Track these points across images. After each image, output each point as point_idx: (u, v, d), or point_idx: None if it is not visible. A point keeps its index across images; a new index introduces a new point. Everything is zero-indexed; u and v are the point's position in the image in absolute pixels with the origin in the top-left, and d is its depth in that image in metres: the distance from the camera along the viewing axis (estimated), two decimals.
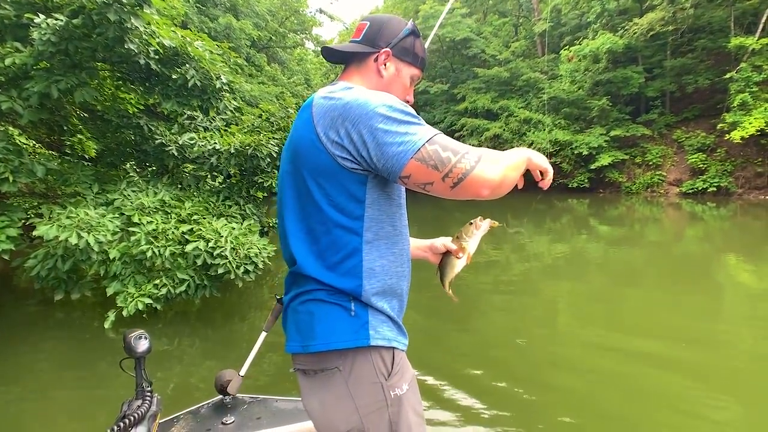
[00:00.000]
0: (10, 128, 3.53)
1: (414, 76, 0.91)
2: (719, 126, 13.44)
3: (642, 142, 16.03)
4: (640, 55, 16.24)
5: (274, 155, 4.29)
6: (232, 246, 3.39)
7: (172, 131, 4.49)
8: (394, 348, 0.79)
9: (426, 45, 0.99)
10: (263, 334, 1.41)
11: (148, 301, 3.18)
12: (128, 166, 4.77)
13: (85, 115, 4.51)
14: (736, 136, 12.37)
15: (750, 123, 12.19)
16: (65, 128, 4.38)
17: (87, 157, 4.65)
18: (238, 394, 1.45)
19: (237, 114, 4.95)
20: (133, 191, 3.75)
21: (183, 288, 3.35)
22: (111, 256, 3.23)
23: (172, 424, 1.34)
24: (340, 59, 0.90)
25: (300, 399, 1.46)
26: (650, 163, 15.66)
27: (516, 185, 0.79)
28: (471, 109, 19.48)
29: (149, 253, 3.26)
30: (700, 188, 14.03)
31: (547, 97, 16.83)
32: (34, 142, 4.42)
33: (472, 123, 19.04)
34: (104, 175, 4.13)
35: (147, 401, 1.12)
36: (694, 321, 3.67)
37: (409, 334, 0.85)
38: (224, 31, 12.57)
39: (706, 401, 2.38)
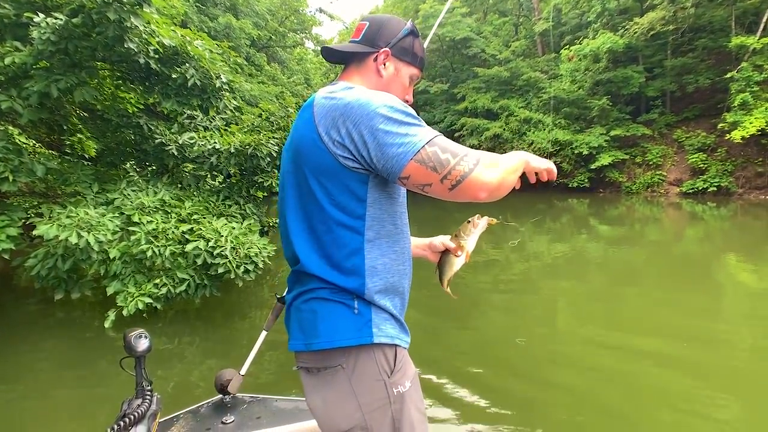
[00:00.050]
0: (10, 128, 3.53)
1: (413, 76, 0.92)
2: (720, 126, 13.43)
3: (642, 142, 16.02)
4: (640, 54, 16.22)
5: (274, 155, 4.29)
6: (232, 245, 3.39)
7: (172, 131, 4.49)
8: (396, 345, 0.80)
9: (425, 44, 0.99)
10: (263, 333, 1.42)
11: (148, 300, 3.18)
12: (128, 165, 4.77)
13: (85, 114, 4.50)
14: (736, 135, 12.36)
15: (750, 123, 12.17)
16: (65, 128, 4.38)
17: (87, 156, 4.65)
18: (237, 394, 1.45)
19: (237, 113, 4.95)
20: (133, 191, 3.75)
21: (183, 287, 3.35)
22: (111, 256, 3.23)
23: (172, 423, 1.34)
24: (340, 59, 0.90)
25: (300, 399, 1.47)
26: (650, 162, 15.65)
27: (513, 187, 0.80)
28: (471, 109, 19.47)
29: (149, 253, 3.26)
30: (700, 188, 14.02)
31: (552, 95, 16.80)
32: (33, 142, 4.42)
33: (472, 123, 19.03)
34: (104, 174, 4.13)
35: (147, 400, 1.12)
36: (695, 320, 3.67)
37: (410, 332, 0.86)
38: (224, 31, 12.57)
39: (706, 399, 2.38)
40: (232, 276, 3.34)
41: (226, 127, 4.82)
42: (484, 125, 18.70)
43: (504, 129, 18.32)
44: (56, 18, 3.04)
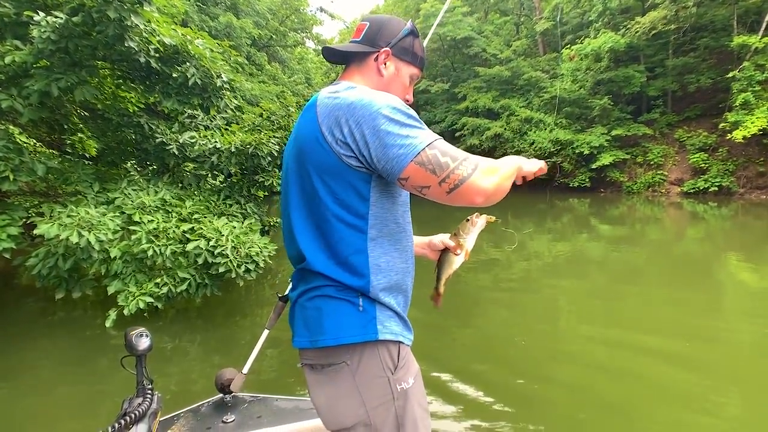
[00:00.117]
0: (11, 127, 3.53)
1: (413, 75, 0.93)
2: (721, 125, 13.40)
3: (643, 142, 15.99)
4: (641, 54, 16.19)
5: (275, 154, 4.29)
6: (232, 245, 3.39)
7: (173, 130, 4.49)
8: (400, 342, 0.81)
9: (425, 43, 0.99)
10: (266, 332, 1.42)
11: (149, 299, 3.18)
12: (129, 164, 4.77)
13: (86, 113, 4.51)
14: (738, 135, 12.33)
15: (752, 122, 12.14)
16: (66, 127, 4.38)
17: (87, 155, 4.66)
18: (238, 393, 1.45)
19: (238, 113, 4.95)
20: (134, 190, 3.75)
21: (184, 287, 3.36)
22: (112, 255, 3.23)
23: (173, 422, 1.34)
24: (341, 59, 0.91)
25: (300, 398, 1.47)
26: (651, 162, 15.62)
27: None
28: (472, 109, 19.44)
29: (150, 252, 3.26)
30: (701, 188, 14.00)
31: (556, 94, 16.76)
32: (34, 141, 4.43)
33: (473, 122, 19.00)
34: (105, 173, 4.13)
35: (148, 399, 1.12)
36: (695, 318, 3.68)
37: (413, 329, 0.87)
38: (225, 30, 12.56)
39: (706, 396, 2.39)
40: (233, 275, 3.34)
41: (227, 127, 4.82)
42: (485, 125, 18.68)
43: (505, 129, 18.30)
44: (56, 17, 3.04)
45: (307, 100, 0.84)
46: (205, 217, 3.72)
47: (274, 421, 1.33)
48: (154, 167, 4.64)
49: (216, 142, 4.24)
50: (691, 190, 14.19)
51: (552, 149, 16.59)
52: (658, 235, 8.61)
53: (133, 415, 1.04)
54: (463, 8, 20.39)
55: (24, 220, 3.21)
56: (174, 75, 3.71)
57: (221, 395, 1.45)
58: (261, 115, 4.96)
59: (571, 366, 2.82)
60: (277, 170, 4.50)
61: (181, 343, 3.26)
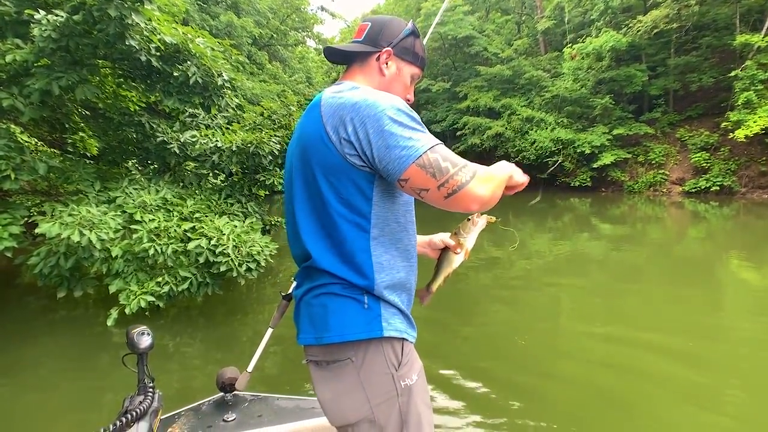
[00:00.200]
0: (12, 126, 3.54)
1: (414, 75, 0.94)
2: (723, 124, 13.35)
3: (645, 141, 15.94)
4: (643, 53, 16.13)
5: (276, 153, 4.29)
6: (234, 244, 3.40)
7: (174, 129, 4.49)
8: (404, 339, 0.82)
9: (425, 42, 0.99)
10: (270, 331, 1.42)
11: (150, 298, 3.19)
12: (130, 164, 4.77)
13: (87, 112, 4.51)
14: (740, 134, 12.28)
15: (754, 121, 12.09)
16: (67, 126, 4.39)
17: (89, 155, 4.66)
18: (239, 392, 1.45)
19: (238, 112, 4.94)
20: (135, 189, 3.75)
21: (185, 286, 3.36)
22: (113, 254, 3.24)
23: (174, 420, 1.34)
24: (343, 59, 0.93)
25: (301, 397, 1.47)
26: (653, 161, 15.58)
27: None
28: (473, 108, 19.40)
29: (151, 251, 3.26)
30: (703, 187, 13.95)
31: (557, 94, 16.70)
32: (35, 140, 4.44)
33: (474, 121, 18.97)
34: (106, 172, 4.14)
35: (149, 397, 1.12)
36: (697, 316, 3.68)
37: (416, 327, 0.87)
38: (225, 29, 12.56)
39: (708, 392, 2.41)
40: (234, 274, 3.34)
41: (228, 126, 4.82)
42: (486, 124, 18.64)
43: (506, 128, 18.26)
44: (57, 15, 3.04)
45: (308, 100, 0.85)
46: (206, 216, 3.73)
47: (274, 420, 1.33)
48: (155, 166, 4.65)
49: (217, 141, 4.24)
50: (693, 190, 14.14)
51: (553, 148, 16.55)
52: (659, 234, 8.59)
53: (134, 413, 1.05)
54: (465, 7, 20.32)
55: (25, 219, 3.22)
56: (175, 74, 3.71)
57: (222, 394, 1.45)
58: (262, 114, 4.95)
59: (573, 362, 2.83)
60: (278, 169, 4.50)
61: (183, 342, 3.27)
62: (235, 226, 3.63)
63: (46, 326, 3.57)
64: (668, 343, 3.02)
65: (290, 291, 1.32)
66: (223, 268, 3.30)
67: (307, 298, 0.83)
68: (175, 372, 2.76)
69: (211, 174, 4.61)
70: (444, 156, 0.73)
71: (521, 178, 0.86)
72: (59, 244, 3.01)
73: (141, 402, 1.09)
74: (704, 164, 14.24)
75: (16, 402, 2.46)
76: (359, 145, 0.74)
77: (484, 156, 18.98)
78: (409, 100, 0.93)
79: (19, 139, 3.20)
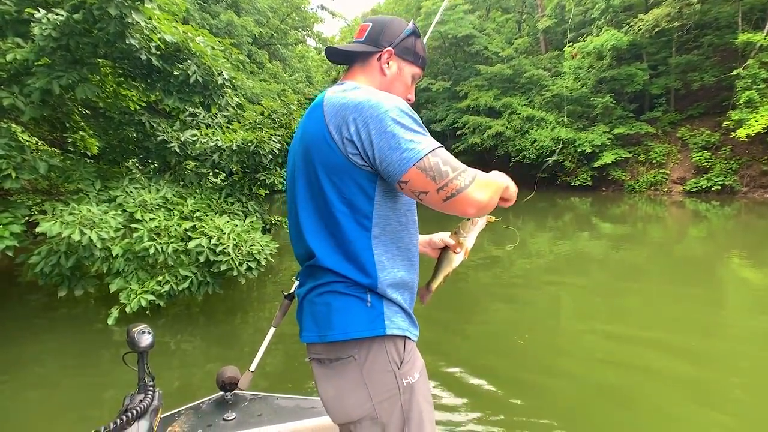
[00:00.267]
0: (13, 125, 3.54)
1: (415, 75, 0.95)
2: (725, 124, 13.32)
3: (646, 140, 15.91)
4: (644, 51, 16.09)
5: (277, 152, 4.29)
6: (234, 243, 3.40)
7: (174, 128, 4.49)
8: (406, 338, 0.83)
9: (425, 40, 0.99)
10: (272, 330, 1.42)
11: (150, 297, 3.19)
12: (130, 163, 4.78)
13: (87, 112, 4.51)
14: (741, 133, 12.25)
15: (756, 121, 12.06)
16: (67, 125, 4.39)
17: (89, 154, 4.66)
18: (239, 391, 1.46)
19: (239, 111, 4.94)
20: (136, 188, 3.76)
21: (186, 285, 3.37)
22: (114, 253, 3.24)
23: (174, 419, 1.35)
24: (344, 59, 0.93)
25: (301, 397, 1.48)
26: (654, 161, 15.56)
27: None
28: (473, 107, 19.37)
29: (152, 250, 3.27)
30: (704, 186, 13.93)
31: (559, 93, 16.66)
32: (36, 139, 4.45)
33: (475, 120, 18.94)
34: (106, 172, 4.14)
35: (149, 395, 1.13)
36: (699, 314, 3.68)
37: (418, 325, 0.88)
38: (225, 28, 12.56)
39: (710, 389, 2.41)
40: (235, 273, 3.35)
41: (228, 125, 4.82)
42: (486, 123, 18.61)
43: (506, 127, 18.23)
44: (57, 14, 3.04)
45: (309, 99, 0.85)
46: (206, 215, 3.73)
47: (274, 420, 1.33)
48: (156, 165, 4.65)
49: (217, 140, 4.24)
50: (694, 189, 14.12)
51: (553, 147, 16.53)
52: (659, 233, 8.58)
53: (134, 412, 1.05)
54: (465, 6, 20.27)
55: (26, 218, 3.22)
56: (175, 73, 3.71)
57: (222, 393, 1.45)
58: (262, 114, 4.95)
59: (574, 360, 2.84)
60: (278, 168, 4.50)
61: (183, 340, 3.28)
62: (236, 225, 3.63)
63: (47, 324, 3.58)
64: (669, 341, 3.02)
65: (292, 290, 1.32)
66: (223, 267, 3.30)
67: (311, 297, 0.84)
68: (176, 370, 2.77)
69: (211, 173, 4.61)
70: (444, 160, 0.74)
71: (514, 192, 0.88)
72: (60, 243, 3.02)
73: (141, 400, 1.10)
74: (705, 163, 14.21)
75: (17, 399, 2.47)
76: (361, 145, 0.74)
77: (484, 155, 18.97)
78: (410, 100, 0.93)
79: (19, 138, 3.20)
